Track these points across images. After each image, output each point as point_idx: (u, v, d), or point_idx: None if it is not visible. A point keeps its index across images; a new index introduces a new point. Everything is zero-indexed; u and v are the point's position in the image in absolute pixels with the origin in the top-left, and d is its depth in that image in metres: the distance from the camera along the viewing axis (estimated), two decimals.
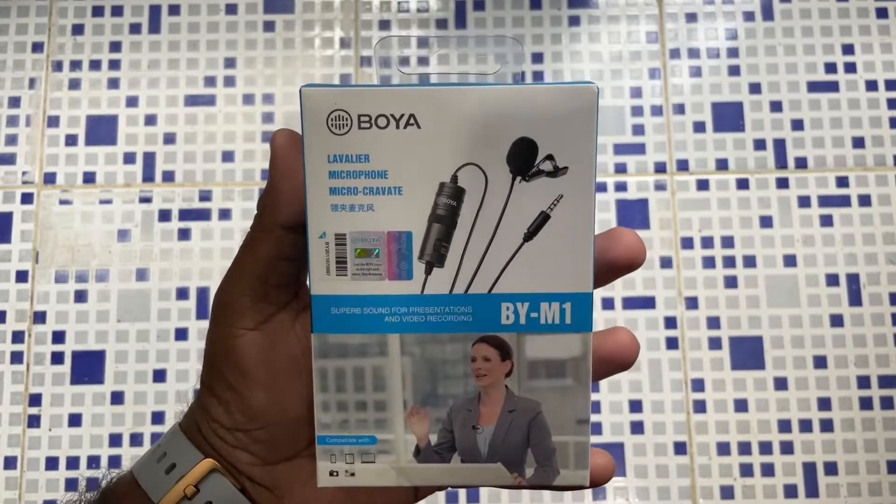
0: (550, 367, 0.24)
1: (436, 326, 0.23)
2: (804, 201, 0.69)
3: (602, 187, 0.69)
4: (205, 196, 0.69)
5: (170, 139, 0.70)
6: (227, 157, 0.70)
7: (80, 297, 0.68)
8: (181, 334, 0.67)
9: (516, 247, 0.23)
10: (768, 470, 0.66)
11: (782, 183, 0.69)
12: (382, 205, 0.23)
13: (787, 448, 0.66)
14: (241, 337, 0.24)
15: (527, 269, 0.23)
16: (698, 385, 0.67)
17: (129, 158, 0.70)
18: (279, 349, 0.24)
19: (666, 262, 0.68)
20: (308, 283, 0.24)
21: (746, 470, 0.66)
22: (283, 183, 0.24)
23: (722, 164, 0.69)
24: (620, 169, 0.70)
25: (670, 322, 0.67)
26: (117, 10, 0.72)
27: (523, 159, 0.23)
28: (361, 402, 0.24)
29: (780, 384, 0.67)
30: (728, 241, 0.68)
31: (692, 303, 0.68)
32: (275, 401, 0.24)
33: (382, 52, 0.26)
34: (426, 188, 0.23)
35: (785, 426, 0.66)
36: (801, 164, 0.69)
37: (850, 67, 0.71)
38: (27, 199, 0.69)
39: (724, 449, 0.66)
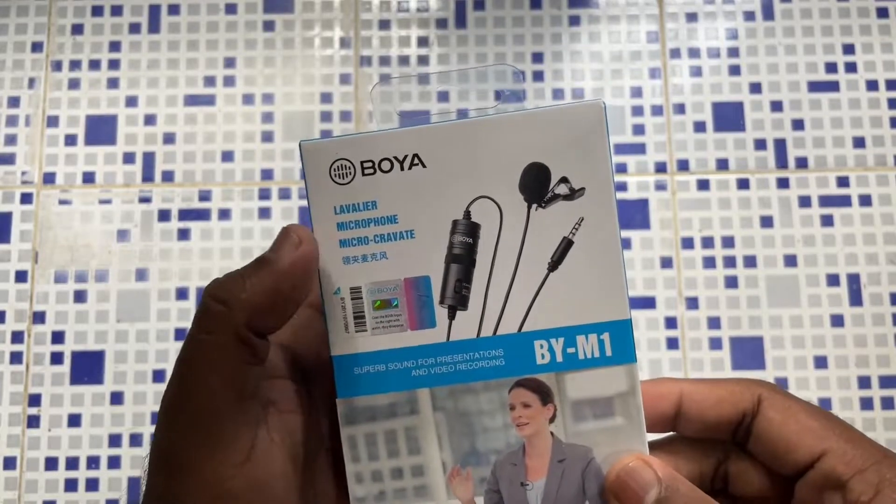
0: (597, 407, 0.22)
1: (467, 375, 0.22)
2: (805, 201, 0.69)
3: None
4: (204, 196, 0.69)
5: (169, 139, 0.70)
6: (227, 157, 0.70)
7: (80, 297, 0.68)
8: (181, 334, 0.67)
9: (542, 278, 0.22)
10: None
11: (783, 183, 0.69)
12: (396, 251, 0.22)
13: None
14: (234, 479, 0.19)
15: (556, 302, 0.22)
16: None
17: (129, 158, 0.70)
18: (277, 480, 0.20)
19: (666, 262, 0.68)
20: (329, 343, 0.22)
21: None
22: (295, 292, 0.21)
23: (722, 164, 0.69)
24: (620, 169, 0.69)
25: (670, 322, 0.67)
26: (117, 10, 0.72)
27: (537, 185, 0.22)
28: (397, 468, 0.22)
29: (781, 384, 0.66)
30: (728, 241, 0.68)
31: (692, 303, 0.67)
32: None
33: (380, 93, 0.25)
34: (439, 228, 0.22)
35: None
36: (802, 163, 0.69)
37: (851, 67, 0.71)
38: (26, 199, 0.69)
39: None
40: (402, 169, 0.22)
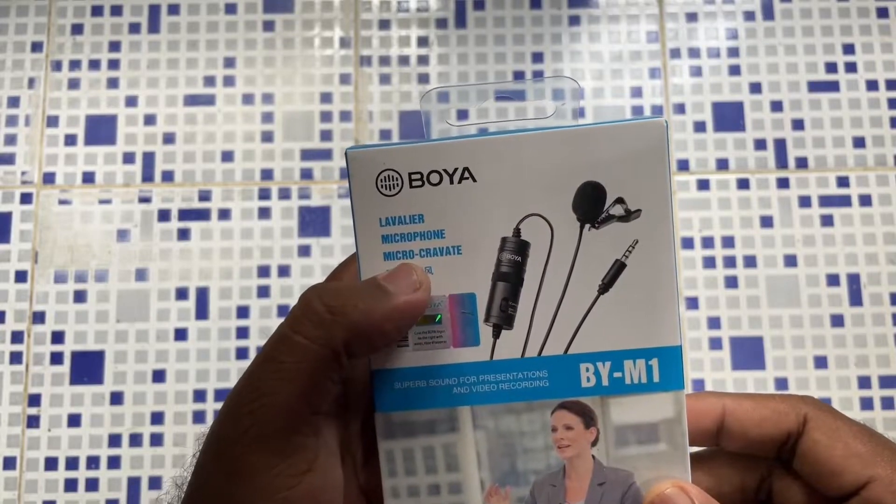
0: (641, 432, 0.21)
1: (509, 395, 0.21)
2: (805, 201, 0.69)
3: None
4: (204, 196, 0.69)
5: (169, 139, 0.70)
6: (227, 156, 0.70)
7: (80, 297, 0.68)
8: (180, 334, 0.67)
9: (591, 301, 0.21)
10: None
11: (783, 183, 0.69)
12: (441, 266, 0.21)
13: None
14: (294, 488, 0.19)
15: (605, 325, 0.21)
16: (699, 385, 0.67)
17: (129, 158, 0.70)
18: (335, 489, 0.20)
19: None
20: (369, 356, 0.22)
21: None
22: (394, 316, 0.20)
23: (722, 164, 0.69)
24: None
25: None
26: (116, 10, 0.72)
27: (591, 205, 0.21)
28: (434, 484, 0.21)
29: (781, 384, 0.66)
30: (728, 241, 0.68)
31: (693, 303, 0.67)
32: None
33: (429, 105, 0.24)
34: (487, 245, 0.21)
35: None
36: (802, 163, 0.69)
37: (851, 67, 0.71)
38: (26, 199, 0.69)
39: None
40: (451, 182, 0.21)
